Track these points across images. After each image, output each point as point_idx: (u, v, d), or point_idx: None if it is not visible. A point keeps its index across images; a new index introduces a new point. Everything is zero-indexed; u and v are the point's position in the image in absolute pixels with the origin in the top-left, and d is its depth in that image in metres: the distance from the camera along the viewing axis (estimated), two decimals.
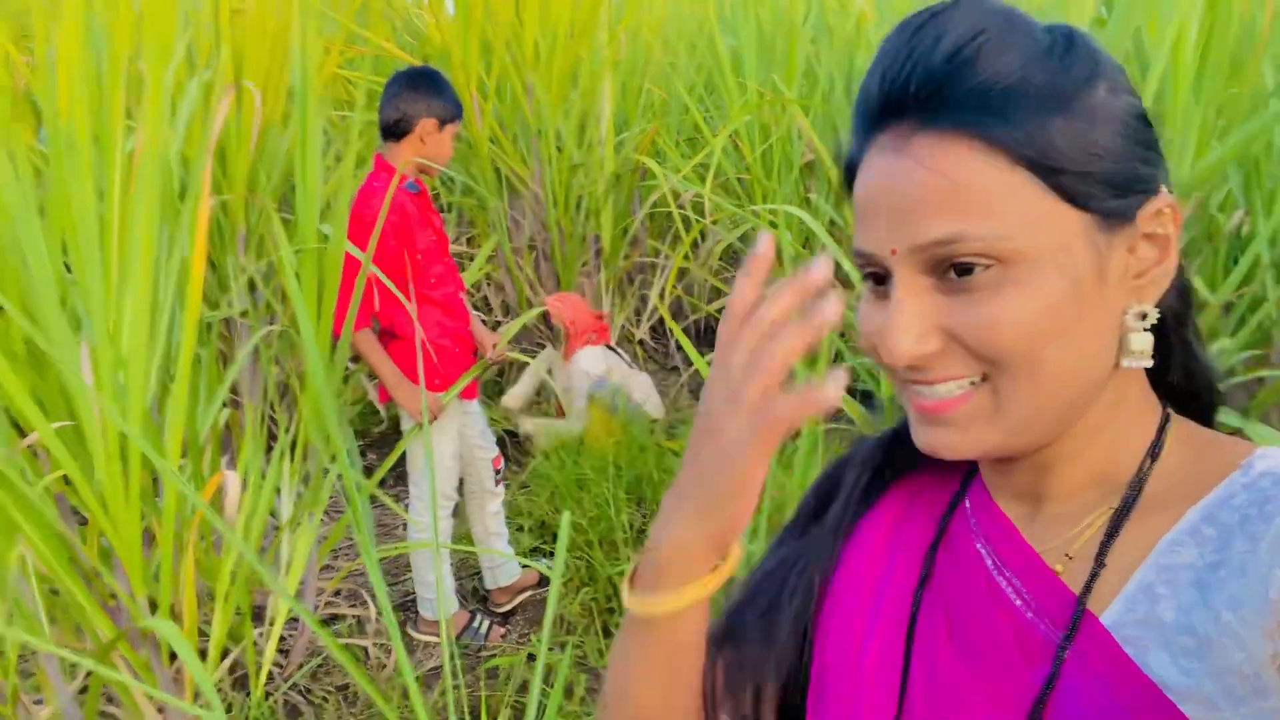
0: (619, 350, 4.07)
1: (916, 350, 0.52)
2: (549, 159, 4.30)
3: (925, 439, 0.56)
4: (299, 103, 2.03)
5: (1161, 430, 0.57)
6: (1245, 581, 0.48)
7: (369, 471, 3.67)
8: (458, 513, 2.87)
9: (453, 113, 2.43)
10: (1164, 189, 0.54)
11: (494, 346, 2.63)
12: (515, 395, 4.11)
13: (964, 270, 0.51)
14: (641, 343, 4.75)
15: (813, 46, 4.03)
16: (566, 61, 4.20)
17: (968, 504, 0.64)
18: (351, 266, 2.19)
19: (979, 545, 0.61)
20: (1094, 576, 0.54)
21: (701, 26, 4.24)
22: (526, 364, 4.21)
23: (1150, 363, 0.54)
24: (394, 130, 2.37)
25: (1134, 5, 1.95)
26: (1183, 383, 0.60)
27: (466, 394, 2.59)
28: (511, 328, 2.91)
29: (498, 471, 2.78)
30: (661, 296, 4.49)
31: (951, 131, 0.51)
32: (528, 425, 3.86)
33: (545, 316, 4.12)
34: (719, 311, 4.56)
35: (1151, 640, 0.50)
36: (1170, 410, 0.58)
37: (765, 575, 0.70)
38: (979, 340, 0.51)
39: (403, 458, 2.71)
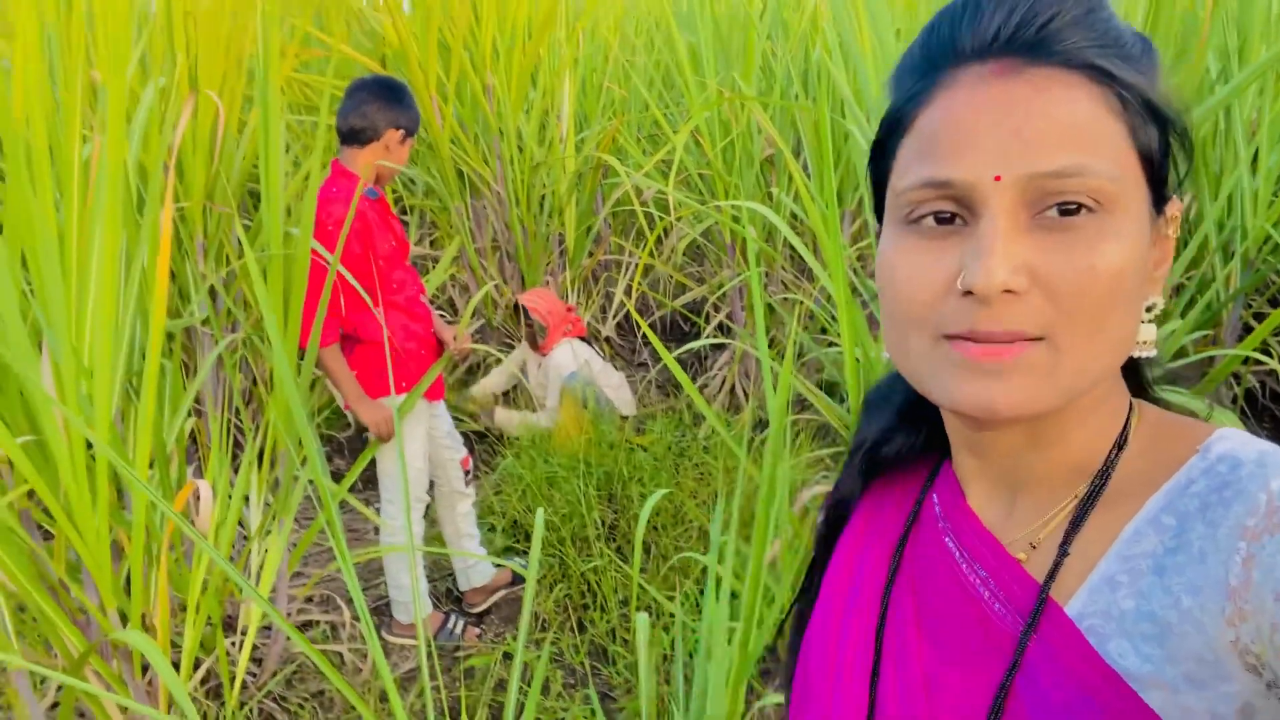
0: (592, 343, 4.09)
1: (1011, 280, 0.48)
2: (510, 159, 4.30)
3: (976, 392, 0.51)
4: (261, 107, 2.02)
5: (1128, 419, 0.57)
6: (1204, 568, 0.48)
7: (337, 476, 3.66)
8: (429, 514, 2.88)
9: (416, 125, 2.46)
10: (1175, 196, 0.55)
11: (455, 339, 2.63)
12: (484, 386, 4.11)
13: (1069, 210, 0.49)
14: (608, 340, 4.77)
15: (769, 42, 4.06)
16: (526, 61, 4.20)
17: (935, 498, 0.64)
18: (316, 274, 2.19)
19: (946, 539, 0.61)
20: (1056, 566, 0.54)
21: (659, 24, 4.26)
22: (496, 360, 4.22)
23: (1154, 353, 0.55)
24: (357, 137, 2.37)
25: None
26: (1148, 382, 0.61)
27: (433, 395, 2.59)
28: (465, 314, 2.91)
29: (467, 472, 2.79)
30: (628, 293, 4.51)
31: (1073, 69, 0.50)
32: (499, 416, 3.86)
33: (516, 314, 4.12)
34: (685, 307, 4.59)
35: (1113, 629, 0.51)
36: (1132, 399, 0.58)
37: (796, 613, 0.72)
38: (1073, 286, 0.49)
39: (372, 462, 2.71)
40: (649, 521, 3.10)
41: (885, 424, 0.68)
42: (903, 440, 0.67)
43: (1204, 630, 0.47)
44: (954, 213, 0.51)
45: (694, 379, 4.25)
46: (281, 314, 2.12)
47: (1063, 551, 0.54)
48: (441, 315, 4.43)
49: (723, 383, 4.18)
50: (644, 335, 4.60)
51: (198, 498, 1.98)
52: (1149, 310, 0.54)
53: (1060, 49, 0.50)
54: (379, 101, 2.37)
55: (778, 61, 3.97)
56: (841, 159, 3.69)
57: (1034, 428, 0.55)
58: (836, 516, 0.70)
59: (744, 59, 3.75)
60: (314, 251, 2.09)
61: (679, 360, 4.55)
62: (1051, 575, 0.54)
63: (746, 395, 4.08)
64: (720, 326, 4.27)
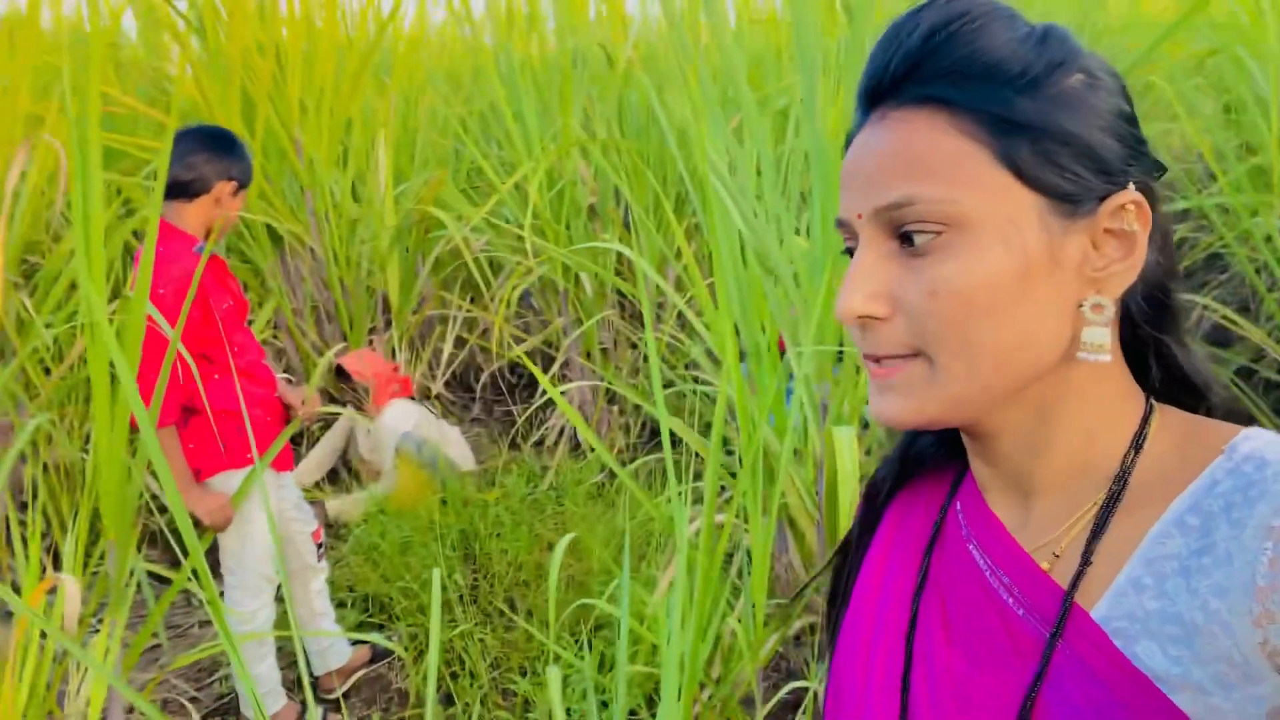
0: (424, 402, 3.95)
1: (864, 308, 0.54)
2: (325, 215, 4.12)
3: (874, 405, 0.57)
4: (78, 168, 1.82)
5: (1145, 422, 0.56)
6: (1231, 570, 0.48)
7: (172, 563, 3.30)
8: (279, 595, 2.65)
9: (250, 175, 2.30)
10: (1133, 186, 0.54)
11: (303, 403, 2.46)
12: (306, 469, 3.85)
13: (916, 236, 0.53)
14: (439, 397, 4.63)
15: (587, 95, 4.15)
16: (337, 115, 4.06)
17: (958, 506, 0.64)
18: (150, 346, 1.97)
19: (970, 547, 0.61)
20: (1080, 572, 0.54)
21: (477, 75, 4.26)
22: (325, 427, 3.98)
23: (1108, 358, 0.54)
24: (185, 190, 2.19)
25: None
26: (1165, 383, 0.59)
27: (281, 465, 2.40)
28: (314, 379, 2.74)
29: (319, 545, 2.60)
30: (461, 347, 4.41)
31: (920, 104, 0.54)
32: (334, 508, 3.62)
33: (340, 377, 3.91)
34: (520, 358, 4.54)
35: (1139, 631, 0.51)
36: (1154, 401, 0.58)
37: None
38: (918, 308, 0.53)
39: (213, 544, 2.47)
40: (510, 578, 3.01)
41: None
42: (929, 443, 0.68)
43: (1232, 632, 0.48)
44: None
45: (530, 430, 4.20)
46: (108, 397, 1.90)
47: (1085, 561, 0.54)
48: (286, 378, 4.13)
49: (561, 431, 4.15)
50: (482, 386, 4.50)
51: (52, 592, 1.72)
52: (1099, 312, 0.54)
53: (910, 89, 0.55)
54: (207, 151, 2.20)
55: (596, 111, 4.06)
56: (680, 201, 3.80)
57: (1021, 434, 0.57)
58: (867, 520, 0.71)
59: (563, 109, 3.81)
60: (149, 319, 1.90)
61: (517, 413, 4.48)
62: (1075, 582, 0.54)
63: (588, 439, 4.07)
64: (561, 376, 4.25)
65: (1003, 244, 0.52)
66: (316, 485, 3.88)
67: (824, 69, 1.86)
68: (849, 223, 0.57)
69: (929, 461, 0.68)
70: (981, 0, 0.54)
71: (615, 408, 4.06)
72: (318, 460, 3.92)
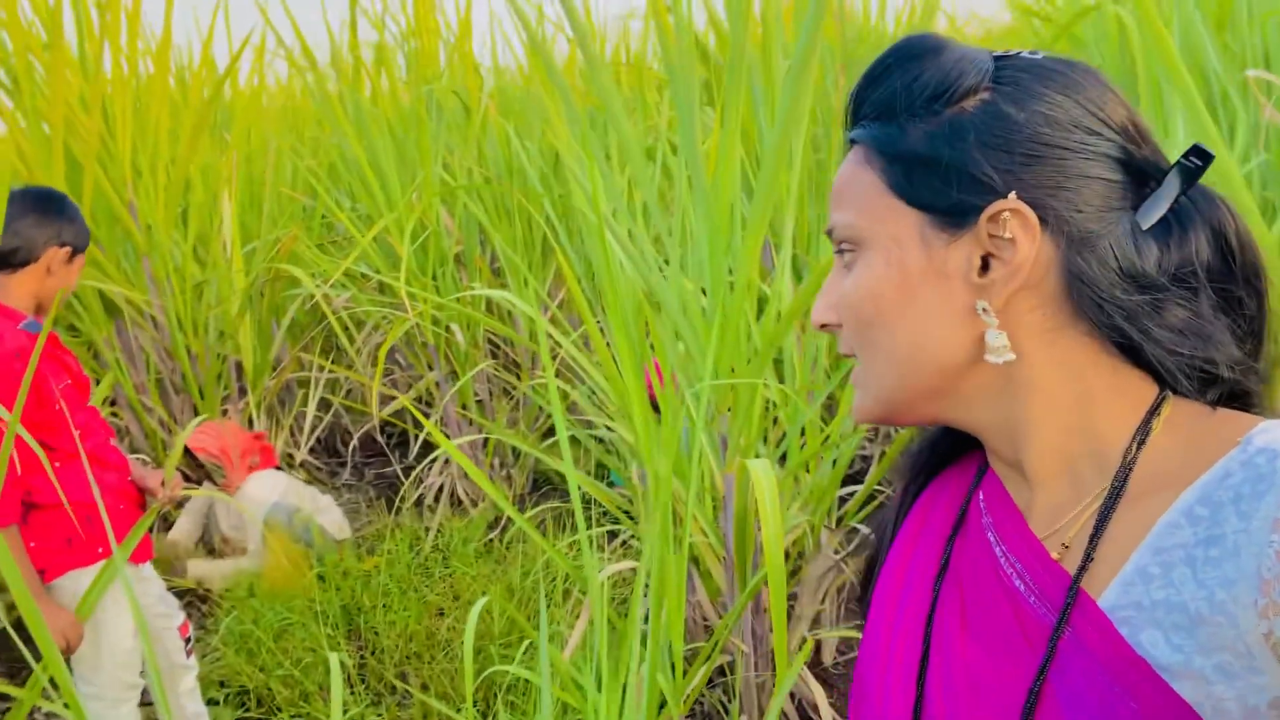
0: (288, 470, 3.70)
1: (820, 317, 0.64)
2: (166, 279, 3.84)
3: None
4: None
5: (1150, 415, 0.56)
6: (1239, 561, 0.48)
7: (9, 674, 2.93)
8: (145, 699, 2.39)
9: (85, 239, 2.09)
10: (1014, 195, 0.55)
11: (163, 484, 2.24)
12: (172, 539, 3.55)
13: (842, 254, 0.62)
14: (304, 464, 4.37)
15: (445, 145, 4.06)
16: (174, 175, 3.81)
17: (981, 494, 0.66)
18: None
19: (989, 534, 0.63)
20: (1086, 561, 0.55)
21: (325, 126, 4.09)
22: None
23: (1011, 357, 0.56)
24: (9, 260, 1.96)
25: None
26: (1171, 375, 0.56)
27: (139, 557, 2.17)
28: (172, 460, 2.51)
29: (187, 640, 2.36)
30: (326, 410, 4.19)
31: (854, 139, 0.63)
32: (194, 570, 3.34)
33: (190, 456, 3.62)
34: (394, 416, 4.35)
35: (1145, 619, 0.51)
36: (1167, 393, 0.57)
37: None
38: (840, 315, 0.63)
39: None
40: (400, 651, 2.84)
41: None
42: (955, 432, 0.69)
43: (1236, 623, 0.48)
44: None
45: (408, 491, 4.01)
46: None
47: (1088, 553, 0.55)
48: (140, 459, 3.78)
49: (441, 489, 3.99)
50: (352, 450, 4.28)
51: None
52: (985, 314, 0.56)
53: (852, 128, 0.63)
54: (34, 215, 1.98)
55: (456, 160, 3.98)
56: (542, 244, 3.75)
57: (999, 432, 0.61)
58: (900, 503, 0.73)
59: (421, 160, 3.70)
60: None
61: (391, 474, 4.29)
62: (1081, 570, 0.55)
63: (470, 496, 3.93)
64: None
65: (884, 259, 0.59)
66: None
67: (699, 107, 1.87)
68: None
69: (957, 451, 0.71)
70: (913, 40, 0.60)
71: (497, 459, 3.94)
72: (183, 533, 3.61)
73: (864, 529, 2.47)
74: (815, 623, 2.54)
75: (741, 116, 1.81)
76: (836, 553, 2.39)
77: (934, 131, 0.57)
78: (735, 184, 1.85)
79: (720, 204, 1.84)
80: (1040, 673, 0.54)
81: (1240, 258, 0.57)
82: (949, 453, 0.71)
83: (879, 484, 3.31)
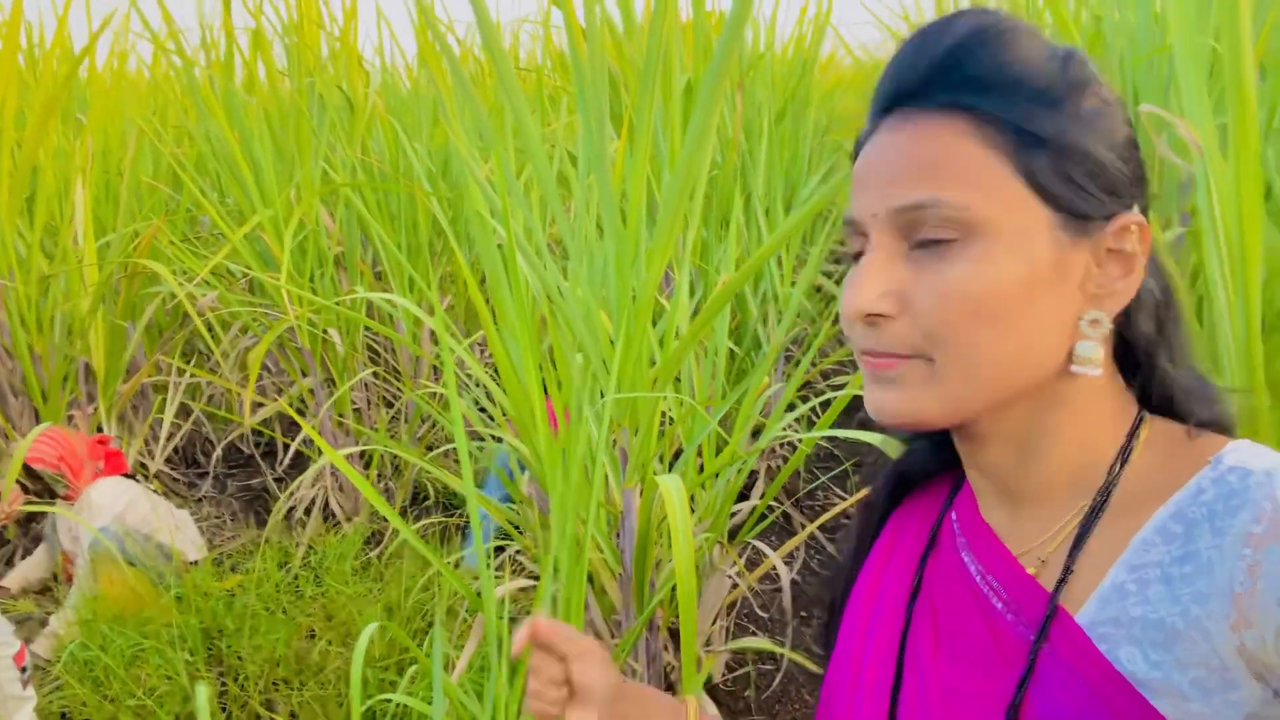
0: (141, 481, 3.40)
1: (874, 306, 0.55)
2: (9, 272, 3.50)
3: (872, 400, 0.57)
4: None
5: (1132, 434, 0.57)
6: (1212, 576, 0.49)
7: None
8: None
9: None
10: (1136, 209, 0.56)
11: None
12: (22, 574, 3.21)
13: (932, 240, 0.54)
14: (159, 475, 4.06)
15: (328, 142, 3.87)
16: (21, 160, 3.48)
17: (954, 515, 0.65)
18: None
19: (963, 554, 0.62)
20: (1064, 578, 0.55)
21: (193, 115, 3.83)
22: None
23: (1098, 372, 0.55)
24: None
25: None
26: (1165, 402, 0.59)
27: None
28: (12, 472, 2.27)
29: (24, 670, 2.14)
30: (186, 416, 3.91)
31: (946, 110, 0.54)
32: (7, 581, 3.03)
33: (27, 469, 3.28)
34: (263, 424, 4.10)
35: (1122, 636, 0.52)
36: (1145, 413, 0.59)
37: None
38: (926, 310, 0.53)
39: None
40: (266, 677, 2.65)
41: (911, 439, 0.71)
42: (925, 454, 0.68)
43: (1210, 638, 0.49)
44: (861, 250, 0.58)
45: (275, 505, 3.78)
46: None
47: (1069, 566, 0.55)
48: None
49: (313, 502, 3.79)
50: (215, 460, 4.02)
51: None
52: (1096, 326, 0.55)
53: (936, 94, 0.55)
54: None
55: (338, 157, 3.80)
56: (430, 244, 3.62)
57: (1012, 442, 0.58)
58: (865, 529, 0.71)
59: (301, 155, 3.51)
60: None
61: (258, 486, 4.04)
62: (1059, 587, 0.55)
63: (344, 510, 3.74)
64: (307, 440, 3.88)
65: (1014, 253, 0.53)
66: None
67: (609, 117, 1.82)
68: (860, 222, 0.57)
69: (925, 473, 0.69)
70: (1010, 16, 0.55)
71: (374, 471, 3.77)
72: (35, 567, 3.25)
73: (763, 545, 2.47)
74: (707, 641, 2.52)
75: (650, 132, 1.77)
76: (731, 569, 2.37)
77: (1075, 124, 0.53)
78: (643, 205, 1.81)
79: (630, 228, 1.80)
80: (1020, 687, 0.54)
81: (1169, 283, 0.60)
82: (915, 478, 0.71)
83: (774, 501, 3.33)
